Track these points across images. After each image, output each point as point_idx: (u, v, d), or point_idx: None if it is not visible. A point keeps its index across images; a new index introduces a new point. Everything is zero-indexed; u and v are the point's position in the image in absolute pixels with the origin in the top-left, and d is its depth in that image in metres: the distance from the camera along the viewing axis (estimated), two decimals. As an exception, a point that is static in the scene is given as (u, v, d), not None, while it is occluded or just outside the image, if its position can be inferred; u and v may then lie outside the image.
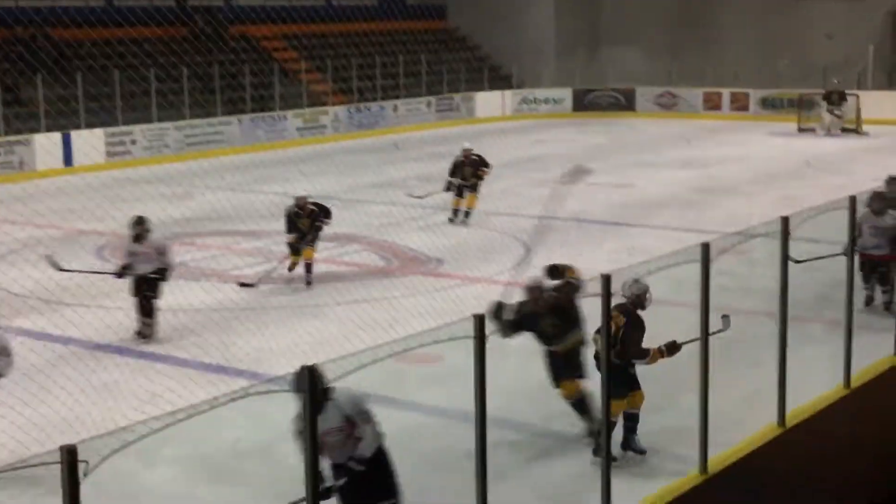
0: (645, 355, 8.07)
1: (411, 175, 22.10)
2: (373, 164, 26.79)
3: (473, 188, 18.40)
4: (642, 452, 8.20)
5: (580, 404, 8.45)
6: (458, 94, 37.32)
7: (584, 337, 8.46)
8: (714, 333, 7.98)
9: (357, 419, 6.34)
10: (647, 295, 8.18)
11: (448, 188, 18.41)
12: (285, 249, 14.53)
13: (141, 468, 7.49)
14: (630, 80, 38.29)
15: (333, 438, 6.28)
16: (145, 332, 11.94)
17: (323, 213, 14.19)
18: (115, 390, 10.23)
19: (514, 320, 8.25)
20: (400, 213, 19.10)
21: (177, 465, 8.08)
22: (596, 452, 7.96)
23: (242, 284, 13.72)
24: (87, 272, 12.69)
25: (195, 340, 11.58)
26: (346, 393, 6.31)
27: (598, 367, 8.12)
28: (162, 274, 12.07)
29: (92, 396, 10.01)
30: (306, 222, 13.91)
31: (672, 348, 8.06)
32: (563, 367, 8.43)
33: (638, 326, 8.12)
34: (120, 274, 12.18)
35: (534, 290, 8.30)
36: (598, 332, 8.10)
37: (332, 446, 6.31)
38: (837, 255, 11.38)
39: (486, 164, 18.61)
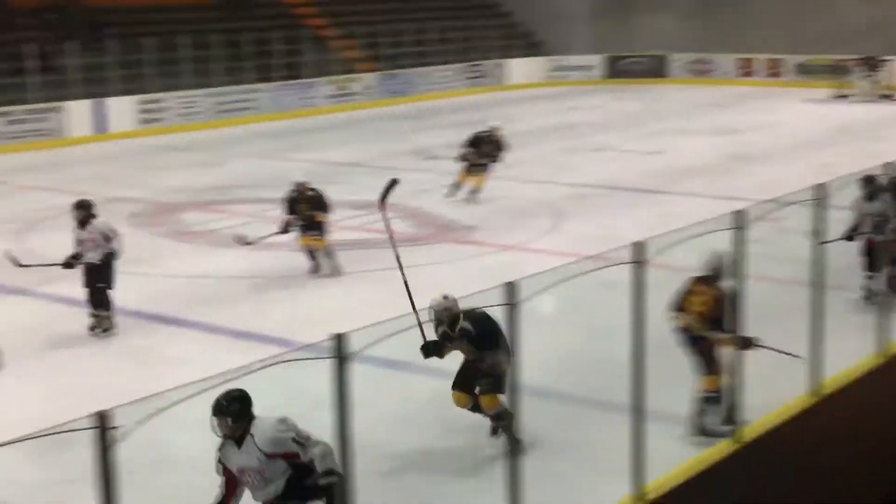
0: (731, 332, 7.90)
1: (442, 142, 22.03)
2: (403, 132, 26.73)
3: (484, 168, 17.54)
4: (739, 424, 8.07)
5: (498, 417, 7.83)
6: (489, 60, 37.12)
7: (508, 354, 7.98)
8: (780, 352, 7.95)
9: (293, 450, 5.71)
10: (726, 267, 8.07)
11: (462, 159, 17.62)
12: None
13: (171, 434, 7.52)
14: (662, 46, 37.94)
15: (252, 478, 5.74)
16: (102, 325, 11.02)
17: (320, 202, 13.24)
18: (148, 356, 10.29)
19: (440, 343, 7.79)
20: (431, 180, 19.04)
21: (207, 432, 8.09)
22: (702, 431, 7.90)
23: (240, 240, 13.31)
24: (44, 265, 11.36)
25: (226, 307, 11.61)
26: (269, 425, 5.72)
27: (685, 342, 8.03)
28: (107, 261, 11.01)
29: (124, 362, 10.08)
30: (305, 207, 13.10)
31: (746, 344, 7.91)
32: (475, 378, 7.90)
33: (732, 298, 7.99)
34: (68, 264, 11.09)
35: (440, 311, 7.75)
36: (675, 307, 8.01)
37: (255, 486, 5.77)
38: (839, 239, 11.05)
39: (505, 147, 17.85)
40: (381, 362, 8.26)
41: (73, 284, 12.47)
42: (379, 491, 6.98)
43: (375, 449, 7.55)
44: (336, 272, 13.12)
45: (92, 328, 10.99)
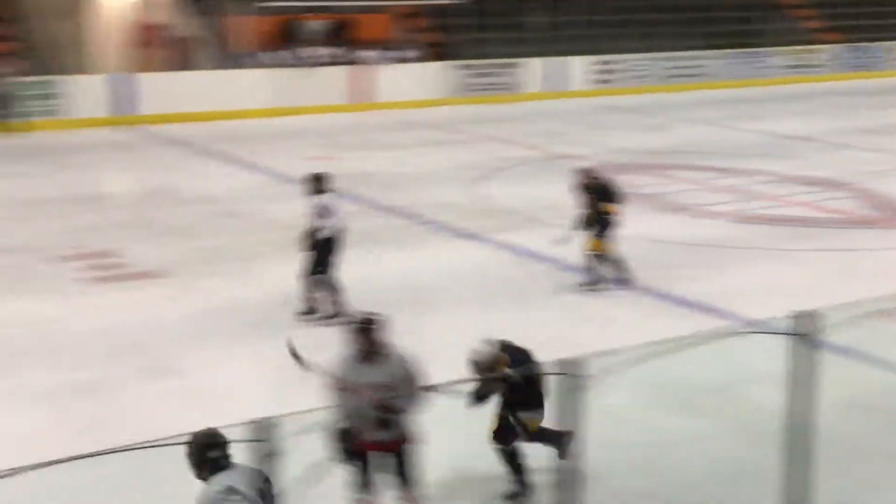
0: None
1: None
2: (867, 108, 25.28)
3: None
4: None
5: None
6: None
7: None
8: None
9: None
10: None
11: None
12: (762, 189, 14.04)
13: (600, 391, 7.66)
14: None
15: None
16: (319, 310, 9.76)
17: (606, 191, 10.92)
18: (576, 311, 10.44)
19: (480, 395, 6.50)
20: (888, 161, 17.90)
21: (635, 393, 8.14)
22: None
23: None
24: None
25: (659, 272, 11.53)
26: (212, 488, 4.32)
27: None
28: (318, 239, 9.75)
29: (557, 315, 10.32)
30: (589, 199, 10.93)
31: None
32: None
33: None
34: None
35: (481, 364, 6.39)
36: None
37: None
38: None
39: None
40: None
41: (525, 233, 13.04)
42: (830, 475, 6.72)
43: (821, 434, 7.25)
44: (624, 276, 11.08)
45: (302, 313, 9.79)
